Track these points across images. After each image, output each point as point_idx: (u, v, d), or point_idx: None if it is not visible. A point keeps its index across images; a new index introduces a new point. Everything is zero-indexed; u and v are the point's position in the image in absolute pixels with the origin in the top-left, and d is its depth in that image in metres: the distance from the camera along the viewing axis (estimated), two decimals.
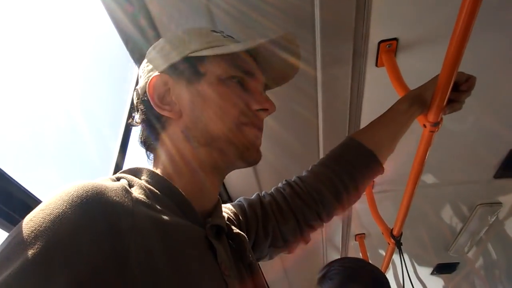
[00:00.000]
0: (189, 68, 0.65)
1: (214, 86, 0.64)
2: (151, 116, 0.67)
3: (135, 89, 0.72)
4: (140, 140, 0.70)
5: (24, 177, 0.79)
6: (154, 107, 0.64)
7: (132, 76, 1.23)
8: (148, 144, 0.69)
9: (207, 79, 0.65)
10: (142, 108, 0.68)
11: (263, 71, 0.73)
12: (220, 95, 0.64)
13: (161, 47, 0.71)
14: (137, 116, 0.69)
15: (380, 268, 1.28)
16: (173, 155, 0.64)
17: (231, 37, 0.72)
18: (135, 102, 0.71)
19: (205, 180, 0.64)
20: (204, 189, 0.65)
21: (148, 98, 0.66)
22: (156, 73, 0.66)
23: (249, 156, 0.65)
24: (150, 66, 0.69)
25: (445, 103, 0.92)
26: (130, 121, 0.72)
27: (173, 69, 0.66)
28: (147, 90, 0.65)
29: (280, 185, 0.93)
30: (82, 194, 0.44)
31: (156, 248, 0.46)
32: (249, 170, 1.73)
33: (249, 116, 0.66)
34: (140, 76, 0.71)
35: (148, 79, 0.67)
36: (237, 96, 0.65)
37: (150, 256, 0.44)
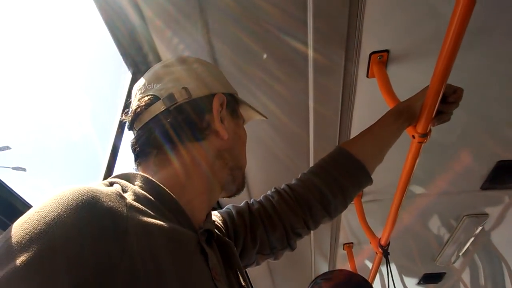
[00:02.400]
0: (232, 103, 0.75)
1: (243, 128, 0.78)
2: (193, 123, 0.66)
3: (165, 88, 0.68)
4: (149, 140, 0.65)
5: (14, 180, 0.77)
6: (216, 119, 0.68)
7: (125, 79, 1.21)
8: (156, 147, 0.65)
9: (240, 120, 0.78)
10: (188, 109, 0.66)
11: None
12: (245, 138, 0.78)
13: (209, 71, 0.74)
14: (169, 116, 0.65)
15: (367, 278, 1.28)
16: (194, 165, 0.66)
17: None
18: (176, 98, 0.66)
19: (211, 193, 0.69)
20: (207, 201, 0.67)
21: (196, 103, 0.67)
22: (215, 91, 0.71)
23: (240, 191, 0.76)
24: (205, 78, 0.71)
25: (433, 114, 0.93)
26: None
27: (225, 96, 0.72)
28: (213, 102, 0.69)
29: (269, 192, 0.94)
30: (78, 198, 0.43)
31: (151, 253, 0.46)
32: None
33: None
34: (180, 77, 0.69)
35: (202, 85, 0.69)
36: None
37: (144, 260, 0.44)
